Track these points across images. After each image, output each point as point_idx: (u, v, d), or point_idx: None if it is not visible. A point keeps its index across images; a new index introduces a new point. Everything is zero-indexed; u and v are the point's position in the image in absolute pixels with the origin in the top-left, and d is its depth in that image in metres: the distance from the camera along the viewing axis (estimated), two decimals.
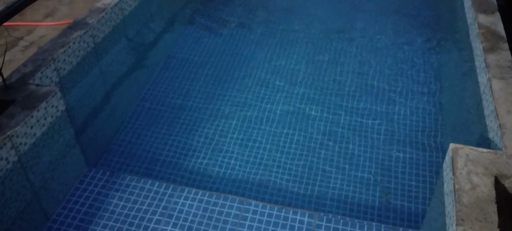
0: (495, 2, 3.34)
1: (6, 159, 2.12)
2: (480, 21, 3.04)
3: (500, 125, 2.14)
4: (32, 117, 2.25)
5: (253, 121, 3.06)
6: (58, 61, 2.72)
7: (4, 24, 2.44)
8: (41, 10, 4.41)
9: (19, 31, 4.11)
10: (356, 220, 2.32)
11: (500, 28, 3.00)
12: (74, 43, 2.87)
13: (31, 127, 2.26)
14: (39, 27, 4.18)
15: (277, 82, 3.39)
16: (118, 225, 2.31)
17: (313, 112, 3.11)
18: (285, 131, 2.98)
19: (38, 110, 2.30)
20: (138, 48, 3.84)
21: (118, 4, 3.40)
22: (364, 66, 3.52)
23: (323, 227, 2.27)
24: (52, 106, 2.40)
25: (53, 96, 2.38)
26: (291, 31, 3.98)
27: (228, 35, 3.99)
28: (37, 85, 2.45)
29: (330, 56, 3.65)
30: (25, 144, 2.23)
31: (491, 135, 2.22)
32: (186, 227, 2.29)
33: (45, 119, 2.36)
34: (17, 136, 2.16)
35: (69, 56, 2.82)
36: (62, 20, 4.21)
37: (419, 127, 2.96)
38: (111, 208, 2.39)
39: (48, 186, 2.42)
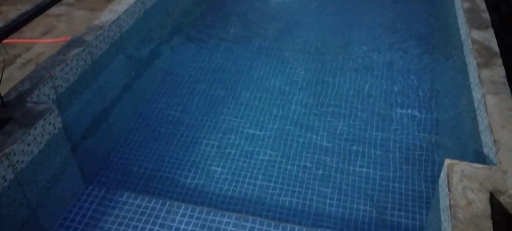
0: (488, 18, 3.39)
1: (3, 176, 2.12)
2: (473, 37, 3.08)
3: (494, 140, 2.15)
4: (29, 134, 2.26)
5: (250, 137, 3.07)
6: (56, 78, 2.73)
7: (2, 41, 2.45)
8: (39, 28, 4.43)
9: (17, 48, 4.13)
10: None
11: (494, 43, 3.03)
12: (71, 60, 2.89)
13: (28, 145, 2.27)
14: (37, 44, 4.20)
15: (274, 99, 3.40)
16: None
17: (309, 129, 3.12)
18: (282, 147, 2.99)
19: (35, 128, 2.30)
20: (135, 65, 3.86)
21: (116, 21, 3.43)
22: (359, 83, 3.54)
23: None
24: (49, 123, 2.41)
25: (50, 113, 2.39)
26: (287, 48, 4.01)
27: (224, 52, 4.02)
28: (35, 103, 2.46)
29: (326, 71, 3.67)
30: (22, 161, 2.24)
31: (486, 150, 2.24)
32: None
33: (42, 136, 2.36)
34: (14, 154, 2.17)
35: (66, 73, 2.83)
36: (60, 37, 4.23)
37: (415, 142, 2.98)
38: (107, 225, 2.38)
39: (45, 204, 2.42)
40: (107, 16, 3.47)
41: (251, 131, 3.12)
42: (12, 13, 4.81)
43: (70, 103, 2.87)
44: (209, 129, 3.15)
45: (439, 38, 4.08)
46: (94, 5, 4.91)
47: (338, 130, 3.09)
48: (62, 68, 2.79)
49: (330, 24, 4.44)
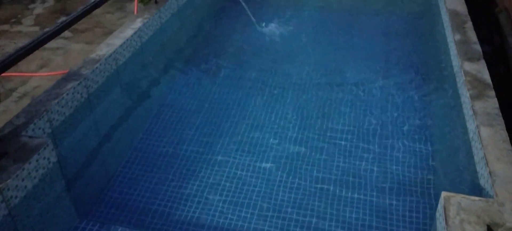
0: (480, 50, 3.44)
1: None
2: (466, 69, 3.13)
3: (490, 172, 2.16)
4: (23, 169, 2.24)
5: (246, 169, 3.06)
6: (51, 112, 2.74)
7: None
8: (36, 61, 4.46)
9: (13, 82, 4.14)
10: None
11: (486, 75, 3.07)
12: (67, 94, 2.90)
13: (23, 180, 2.25)
14: (33, 77, 4.22)
15: (270, 130, 3.41)
16: None
17: (305, 161, 3.12)
18: (278, 178, 2.98)
19: (30, 163, 2.29)
20: (131, 97, 3.87)
21: (113, 54, 3.47)
22: (355, 114, 3.56)
23: None
24: (44, 158, 2.40)
25: (45, 148, 2.38)
26: (281, 80, 4.04)
27: (220, 83, 4.05)
28: (30, 137, 2.46)
29: (321, 103, 3.69)
30: (16, 197, 2.21)
31: (482, 182, 2.24)
32: None
33: (36, 171, 2.35)
34: (8, 189, 2.15)
35: (62, 107, 2.84)
36: (56, 71, 4.25)
37: (411, 174, 2.98)
38: None
39: None
40: (103, 49, 3.51)
41: (246, 163, 3.11)
42: (9, 47, 4.84)
43: (65, 137, 2.87)
44: (204, 161, 3.14)
45: (433, 70, 4.13)
46: (91, 38, 4.96)
47: (334, 163, 3.09)
48: (58, 102, 2.79)
49: (324, 56, 4.49)
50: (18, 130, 2.52)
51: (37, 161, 2.34)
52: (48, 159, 2.43)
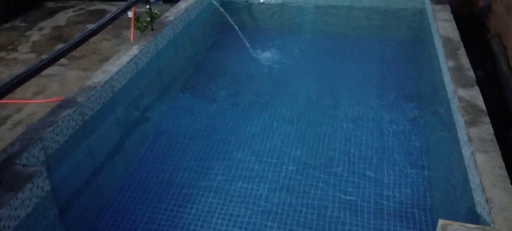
0: (473, 76, 3.48)
1: None
2: (460, 95, 3.15)
3: (487, 199, 2.15)
4: (16, 198, 2.22)
5: (242, 196, 3.04)
6: (46, 140, 2.72)
7: None
8: (31, 88, 4.46)
9: (8, 109, 4.13)
10: None
11: (480, 101, 3.10)
12: (62, 121, 2.89)
13: (15, 209, 2.22)
14: (28, 105, 4.21)
15: (265, 157, 3.40)
16: None
17: (301, 188, 3.10)
18: (274, 207, 2.95)
19: (23, 192, 2.26)
20: (126, 124, 3.86)
21: (109, 81, 3.47)
22: (350, 141, 3.56)
23: None
24: (38, 187, 2.37)
25: (38, 176, 2.36)
26: (277, 107, 4.05)
27: (216, 110, 4.06)
28: (24, 165, 2.44)
29: (316, 131, 3.70)
30: (9, 226, 2.18)
31: (479, 209, 2.23)
32: None
33: (30, 199, 2.32)
34: (1, 219, 2.12)
35: (57, 135, 2.82)
36: (52, 98, 4.25)
37: (408, 201, 2.96)
38: None
39: None
40: (99, 76, 3.51)
41: (242, 191, 3.09)
42: (5, 74, 4.85)
43: (59, 165, 2.84)
44: (200, 188, 3.12)
45: (427, 96, 4.15)
46: (87, 65, 4.98)
47: (330, 190, 3.08)
48: (52, 130, 2.78)
49: (319, 83, 4.51)
50: (12, 158, 2.50)
51: (30, 189, 2.32)
52: (42, 187, 2.41)
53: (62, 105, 3.06)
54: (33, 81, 4.33)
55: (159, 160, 3.41)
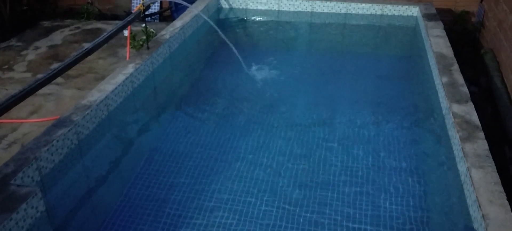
0: (468, 92, 3.50)
1: None
2: (454, 111, 3.17)
3: (483, 215, 2.15)
4: (11, 219, 2.20)
5: (238, 215, 3.02)
6: (40, 160, 2.71)
7: None
8: (27, 107, 4.44)
9: (3, 129, 4.11)
10: None
11: (475, 117, 3.12)
12: (57, 141, 2.88)
13: (10, 230, 2.20)
14: (23, 124, 4.19)
15: (262, 175, 3.39)
16: None
17: (298, 205, 3.09)
18: (272, 223, 2.94)
19: (17, 212, 2.25)
20: (122, 143, 3.85)
21: (104, 100, 3.47)
22: (345, 157, 3.56)
23: None
24: (32, 207, 2.35)
25: (33, 197, 2.35)
26: (273, 124, 4.06)
27: (212, 127, 4.05)
28: (18, 185, 2.42)
29: (312, 148, 3.70)
30: None
31: (476, 226, 2.23)
32: None
33: (24, 220, 2.30)
34: None
35: (52, 154, 2.81)
36: (47, 117, 4.24)
37: (405, 217, 2.95)
38: None
39: None
40: (95, 95, 3.51)
41: (239, 208, 3.07)
42: (1, 93, 4.83)
43: (54, 185, 2.83)
44: (196, 206, 3.10)
45: (422, 112, 4.17)
46: (83, 84, 4.98)
47: (327, 206, 3.07)
48: (47, 150, 2.77)
49: (315, 100, 4.53)
50: (7, 178, 2.48)
51: (25, 210, 2.30)
52: (36, 208, 2.39)
53: (57, 125, 3.05)
54: (29, 100, 4.33)
55: (154, 178, 3.40)
